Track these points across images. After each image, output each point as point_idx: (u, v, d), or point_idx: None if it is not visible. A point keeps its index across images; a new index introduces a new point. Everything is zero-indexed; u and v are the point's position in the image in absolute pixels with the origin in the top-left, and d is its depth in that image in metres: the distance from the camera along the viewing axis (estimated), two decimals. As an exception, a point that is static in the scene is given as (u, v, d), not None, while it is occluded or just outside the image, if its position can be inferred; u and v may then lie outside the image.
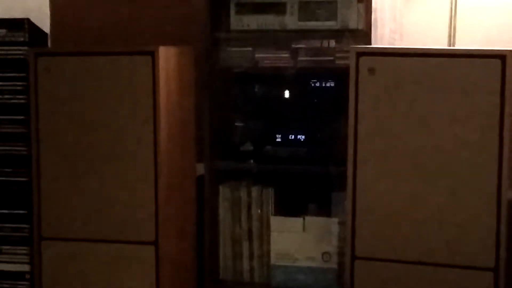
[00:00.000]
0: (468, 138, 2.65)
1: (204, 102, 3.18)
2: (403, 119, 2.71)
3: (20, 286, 3.23)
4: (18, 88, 3.16)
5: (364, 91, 2.74)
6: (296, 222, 3.16)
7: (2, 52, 3.16)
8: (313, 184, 3.16)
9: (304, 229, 3.15)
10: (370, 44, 2.94)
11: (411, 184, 2.71)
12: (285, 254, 3.16)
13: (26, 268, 3.21)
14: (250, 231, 3.24)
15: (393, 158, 2.72)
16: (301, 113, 3.19)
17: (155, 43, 3.00)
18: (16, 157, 3.18)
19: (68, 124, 3.02)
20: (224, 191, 3.25)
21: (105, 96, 2.98)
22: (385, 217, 2.74)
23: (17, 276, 3.23)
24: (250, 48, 3.15)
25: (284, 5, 3.09)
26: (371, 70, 2.72)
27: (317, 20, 3.07)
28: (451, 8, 3.21)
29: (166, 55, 2.98)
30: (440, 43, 3.23)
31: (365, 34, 2.96)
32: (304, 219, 3.15)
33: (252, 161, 3.20)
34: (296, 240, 3.15)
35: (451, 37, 3.22)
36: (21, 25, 3.16)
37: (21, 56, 3.14)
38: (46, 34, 3.43)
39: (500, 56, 2.60)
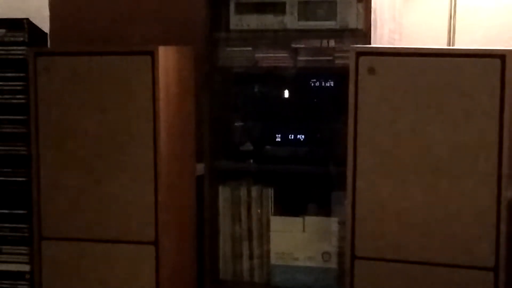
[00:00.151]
0: (468, 137, 2.65)
1: (204, 102, 3.18)
2: (402, 119, 2.71)
3: (20, 286, 3.23)
4: (18, 88, 3.16)
5: (364, 91, 2.74)
6: (296, 222, 3.16)
7: (2, 52, 3.17)
8: (313, 184, 3.16)
9: (304, 229, 3.15)
10: (370, 44, 2.94)
11: (411, 184, 2.71)
12: (285, 254, 3.16)
13: (26, 268, 3.22)
14: (250, 231, 3.24)
15: (393, 158, 2.72)
16: (301, 113, 3.19)
17: (155, 43, 3.00)
18: (16, 157, 3.19)
19: (67, 124, 3.02)
20: (224, 191, 3.25)
21: (105, 96, 2.98)
22: (385, 217, 2.74)
23: (17, 276, 3.23)
24: (249, 48, 3.15)
25: (283, 5, 3.09)
26: (371, 70, 2.72)
27: (316, 20, 3.07)
28: (451, 8, 3.21)
29: (166, 55, 2.98)
30: (439, 43, 3.24)
31: (365, 34, 2.96)
32: (304, 219, 3.15)
33: (252, 161, 3.20)
34: (296, 240, 3.15)
35: (451, 37, 3.22)
36: (21, 25, 3.16)
37: (21, 56, 3.14)
38: (46, 34, 3.43)
39: (499, 56, 2.60)
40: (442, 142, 2.67)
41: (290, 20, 3.09)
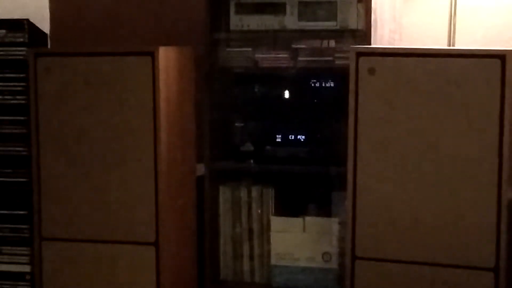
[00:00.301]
0: (467, 137, 2.64)
1: (204, 102, 3.18)
2: (402, 119, 2.70)
3: (20, 287, 3.23)
4: (18, 88, 3.16)
5: (364, 91, 2.74)
6: (296, 222, 3.16)
7: (2, 52, 3.17)
8: (313, 184, 3.17)
9: (304, 229, 3.15)
10: (370, 44, 2.94)
11: (411, 184, 2.71)
12: (285, 254, 3.16)
13: (26, 268, 3.22)
14: (250, 231, 3.24)
15: (393, 158, 2.72)
16: (301, 113, 3.19)
17: (155, 43, 3.00)
18: (16, 157, 3.19)
19: (67, 125, 3.02)
20: (224, 191, 3.25)
21: (105, 97, 2.98)
22: (385, 217, 2.74)
23: (18, 276, 3.23)
24: (250, 48, 3.15)
25: (283, 5, 3.10)
26: (371, 70, 2.72)
27: (317, 20, 3.07)
28: (451, 8, 3.21)
29: (166, 55, 2.98)
30: (439, 43, 3.24)
31: (365, 34, 2.96)
32: (304, 219, 3.15)
33: (252, 161, 3.20)
34: (296, 240, 3.15)
35: (451, 37, 3.22)
36: (21, 25, 3.16)
37: (21, 57, 3.14)
38: (46, 34, 3.43)
39: (499, 56, 2.60)
40: (442, 142, 2.67)
41: (290, 21, 3.09)
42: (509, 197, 2.64)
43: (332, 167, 3.05)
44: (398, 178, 2.72)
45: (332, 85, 3.14)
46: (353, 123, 2.75)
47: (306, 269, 3.14)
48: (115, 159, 2.99)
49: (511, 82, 2.59)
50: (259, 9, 3.12)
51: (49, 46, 3.43)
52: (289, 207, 3.22)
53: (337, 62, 3.04)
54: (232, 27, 3.15)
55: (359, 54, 2.74)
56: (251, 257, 3.24)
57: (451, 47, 3.19)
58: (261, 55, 3.14)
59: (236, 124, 3.24)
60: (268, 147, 3.20)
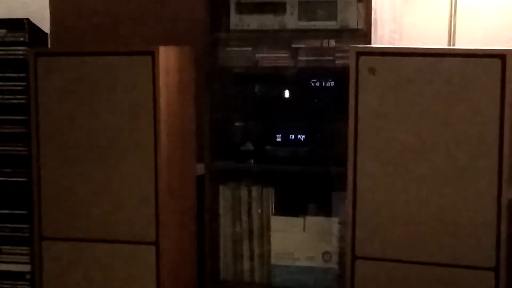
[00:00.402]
0: (468, 137, 2.64)
1: (204, 102, 3.18)
2: (403, 119, 2.71)
3: (20, 286, 3.23)
4: (18, 88, 3.16)
5: (364, 91, 2.74)
6: (296, 222, 3.16)
7: (2, 52, 3.17)
8: (313, 184, 3.16)
9: (304, 229, 3.15)
10: (370, 44, 2.94)
11: (411, 184, 2.71)
12: (285, 254, 3.16)
13: (26, 268, 3.22)
14: (250, 231, 3.24)
15: (393, 158, 2.72)
16: (301, 113, 3.19)
17: (155, 43, 3.00)
18: (16, 157, 3.19)
19: (68, 124, 3.02)
20: (224, 191, 3.25)
21: (105, 96, 2.98)
22: (385, 217, 2.74)
23: (18, 276, 3.23)
24: (250, 48, 3.15)
25: (284, 5, 3.09)
26: (371, 70, 2.72)
27: (317, 20, 3.07)
28: (451, 8, 3.21)
29: (166, 55, 2.98)
30: (440, 42, 3.24)
31: (365, 34, 2.96)
32: (304, 219, 3.15)
33: (252, 161, 3.20)
34: (296, 240, 3.15)
35: (451, 37, 3.22)
36: (21, 25, 3.16)
37: (21, 56, 3.15)
38: (46, 34, 3.43)
39: (500, 56, 2.60)
40: (442, 142, 2.67)
41: (291, 20, 3.09)
42: (509, 197, 2.64)
43: (332, 167, 3.04)
44: (398, 178, 2.72)
45: (332, 84, 3.14)
46: (353, 123, 2.75)
47: (306, 269, 3.14)
48: (115, 159, 2.99)
49: (511, 82, 2.59)
50: (259, 8, 3.12)
51: (49, 46, 3.43)
52: (289, 207, 3.22)
53: (337, 61, 3.04)
54: (232, 26, 3.15)
55: (359, 53, 2.74)
56: (251, 257, 3.24)
57: (451, 47, 3.19)
58: (261, 55, 3.14)
59: (236, 124, 3.24)
60: (268, 147, 3.20)
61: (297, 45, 3.09)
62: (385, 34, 3.10)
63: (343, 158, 2.79)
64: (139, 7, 3.52)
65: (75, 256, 3.06)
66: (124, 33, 3.48)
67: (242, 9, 3.13)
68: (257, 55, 3.14)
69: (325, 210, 3.14)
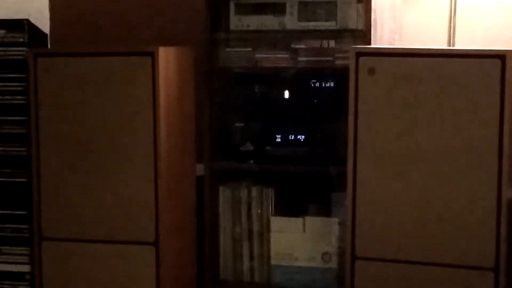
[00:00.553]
0: (467, 138, 2.64)
1: (204, 102, 3.18)
2: (402, 119, 2.71)
3: (20, 287, 3.23)
4: (18, 89, 3.16)
5: (364, 91, 2.74)
6: (296, 222, 3.16)
7: (2, 53, 3.17)
8: (313, 184, 3.16)
9: (304, 229, 3.15)
10: (370, 44, 2.94)
11: (411, 184, 2.71)
12: (285, 254, 3.16)
13: (26, 268, 3.22)
14: (250, 231, 3.24)
15: (393, 158, 2.72)
16: (301, 113, 3.19)
17: (155, 43, 3.00)
18: (16, 157, 3.19)
19: (68, 125, 3.02)
20: (224, 192, 3.25)
21: (105, 97, 2.98)
22: (385, 217, 2.74)
23: (17, 276, 3.23)
24: (250, 48, 3.15)
25: (283, 5, 3.09)
26: (371, 70, 2.72)
27: (316, 20, 3.07)
28: (451, 8, 3.21)
29: (166, 56, 2.99)
30: (439, 43, 3.24)
31: (365, 34, 2.96)
32: (304, 219, 3.15)
33: (252, 161, 3.20)
34: (296, 240, 3.15)
35: (451, 37, 3.22)
36: (21, 25, 3.16)
37: (21, 57, 3.14)
38: (46, 34, 3.43)
39: (499, 56, 2.60)
40: (442, 142, 2.67)
41: (290, 21, 3.09)
42: (509, 197, 2.64)
43: (332, 167, 3.05)
44: (398, 178, 2.72)
45: (332, 85, 3.14)
46: (353, 123, 2.75)
47: (305, 269, 3.14)
48: (115, 159, 2.99)
49: (511, 82, 2.59)
50: (259, 9, 3.12)
51: (49, 46, 3.43)
52: (289, 207, 3.22)
53: (337, 62, 3.04)
54: (232, 27, 3.15)
55: (359, 54, 2.74)
56: (251, 257, 3.24)
57: (451, 47, 3.19)
58: (261, 55, 3.14)
59: (236, 124, 3.24)
60: (268, 147, 3.20)
61: (297, 46, 3.09)
62: (385, 34, 3.10)
63: (343, 158, 2.79)
64: (139, 7, 3.52)
65: (75, 256, 3.06)
66: (124, 33, 3.48)
67: (242, 9, 3.14)
68: (257, 56, 3.14)
69: (325, 210, 3.14)
